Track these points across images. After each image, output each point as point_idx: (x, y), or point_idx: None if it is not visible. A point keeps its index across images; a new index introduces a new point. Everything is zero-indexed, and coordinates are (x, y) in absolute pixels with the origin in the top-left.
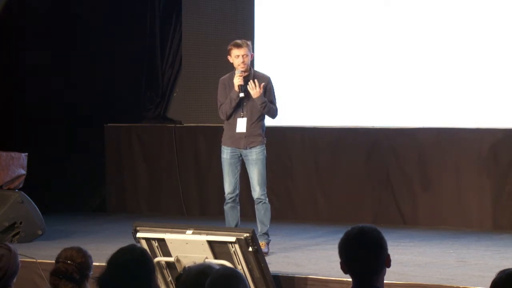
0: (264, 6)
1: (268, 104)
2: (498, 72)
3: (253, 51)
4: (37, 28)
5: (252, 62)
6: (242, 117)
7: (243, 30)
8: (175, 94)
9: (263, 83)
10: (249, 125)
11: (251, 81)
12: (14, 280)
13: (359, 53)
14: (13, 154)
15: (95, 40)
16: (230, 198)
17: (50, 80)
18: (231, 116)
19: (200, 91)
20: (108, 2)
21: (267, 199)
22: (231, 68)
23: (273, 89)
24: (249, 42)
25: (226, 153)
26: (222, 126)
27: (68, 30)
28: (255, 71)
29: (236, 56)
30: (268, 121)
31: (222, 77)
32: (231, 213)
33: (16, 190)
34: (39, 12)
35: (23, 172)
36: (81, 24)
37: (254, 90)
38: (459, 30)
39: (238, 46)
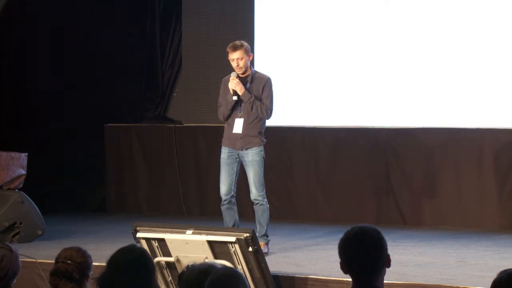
0: (264, 6)
1: (256, 102)
2: (499, 72)
3: (252, 52)
4: (37, 28)
5: (252, 62)
6: (240, 117)
7: (243, 30)
8: (175, 94)
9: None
10: (245, 126)
11: (236, 80)
12: (15, 281)
13: (359, 53)
14: (13, 154)
15: (95, 40)
16: (225, 200)
17: (50, 80)
18: (230, 117)
19: (200, 91)
20: (108, 2)
21: (265, 200)
22: (231, 68)
23: (271, 90)
24: (246, 44)
25: (224, 153)
26: (222, 126)
27: (68, 30)
28: (255, 72)
29: (232, 60)
30: (268, 121)
31: (225, 77)
32: (228, 214)
33: (16, 190)
34: (39, 12)
35: (23, 172)
36: (81, 24)
37: (238, 86)
38: (459, 30)
39: (233, 49)
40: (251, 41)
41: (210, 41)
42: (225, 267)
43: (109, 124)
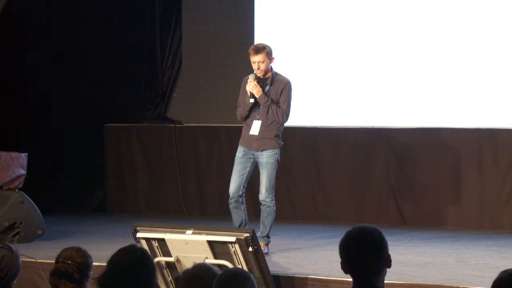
0: (264, 6)
1: (272, 106)
2: (499, 72)
3: (272, 55)
4: (37, 28)
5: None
6: (258, 119)
7: (243, 30)
8: (175, 94)
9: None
10: (262, 128)
11: (254, 82)
12: (15, 281)
13: (359, 53)
14: (13, 154)
15: (95, 40)
16: (232, 198)
17: (50, 80)
18: (248, 117)
19: (200, 91)
20: (108, 2)
21: (272, 203)
22: (231, 68)
23: (289, 94)
24: (268, 47)
25: (239, 152)
26: (223, 126)
27: (68, 30)
28: (275, 74)
29: (253, 62)
30: None
31: (246, 77)
32: (235, 213)
33: (16, 190)
34: (39, 12)
35: (23, 172)
36: (81, 24)
37: (255, 89)
38: (460, 31)
39: (255, 52)
40: (251, 41)
41: (210, 41)
42: (235, 267)
43: (109, 124)
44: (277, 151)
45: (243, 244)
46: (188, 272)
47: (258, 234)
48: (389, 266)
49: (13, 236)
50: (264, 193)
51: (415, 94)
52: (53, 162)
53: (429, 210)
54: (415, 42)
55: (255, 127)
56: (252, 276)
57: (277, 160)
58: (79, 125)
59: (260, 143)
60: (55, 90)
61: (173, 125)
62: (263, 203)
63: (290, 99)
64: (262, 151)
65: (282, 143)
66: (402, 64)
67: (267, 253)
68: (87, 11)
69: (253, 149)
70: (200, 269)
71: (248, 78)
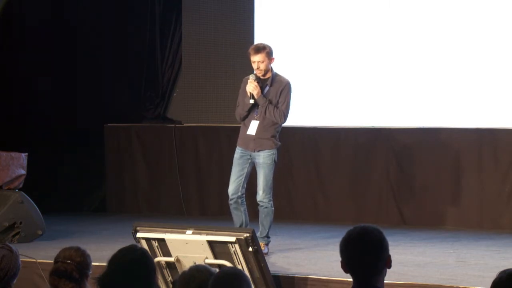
0: (264, 6)
1: (269, 106)
2: (499, 72)
3: (272, 55)
4: (37, 28)
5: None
6: (256, 120)
7: (243, 30)
8: (175, 94)
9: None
10: (260, 128)
11: (254, 81)
12: (15, 281)
13: (359, 53)
14: (13, 154)
15: (95, 40)
16: (231, 199)
17: (50, 80)
18: (247, 118)
19: (200, 91)
20: (108, 2)
21: (270, 203)
22: (231, 68)
23: (288, 95)
24: (268, 47)
25: (237, 153)
26: (223, 126)
27: (68, 30)
28: (276, 75)
29: (253, 62)
30: None
31: (246, 77)
32: (235, 213)
33: (16, 190)
34: (39, 12)
35: (23, 172)
36: (81, 24)
37: (256, 90)
38: (460, 31)
39: (255, 52)
40: (251, 41)
41: (210, 41)
42: (230, 267)
43: (109, 124)
44: (274, 151)
45: (243, 244)
46: (185, 274)
47: (257, 234)
48: (389, 266)
49: (13, 236)
50: (261, 194)
51: (415, 94)
52: (53, 162)
53: (429, 210)
54: (415, 42)
55: (253, 127)
56: (247, 275)
57: (274, 161)
58: (79, 125)
59: (257, 143)
60: (55, 90)
61: (173, 125)
62: (260, 204)
63: (290, 100)
64: (259, 151)
65: (280, 143)
66: (402, 64)
67: (267, 253)
68: (87, 11)
69: (250, 150)
70: (197, 270)
71: (248, 78)
